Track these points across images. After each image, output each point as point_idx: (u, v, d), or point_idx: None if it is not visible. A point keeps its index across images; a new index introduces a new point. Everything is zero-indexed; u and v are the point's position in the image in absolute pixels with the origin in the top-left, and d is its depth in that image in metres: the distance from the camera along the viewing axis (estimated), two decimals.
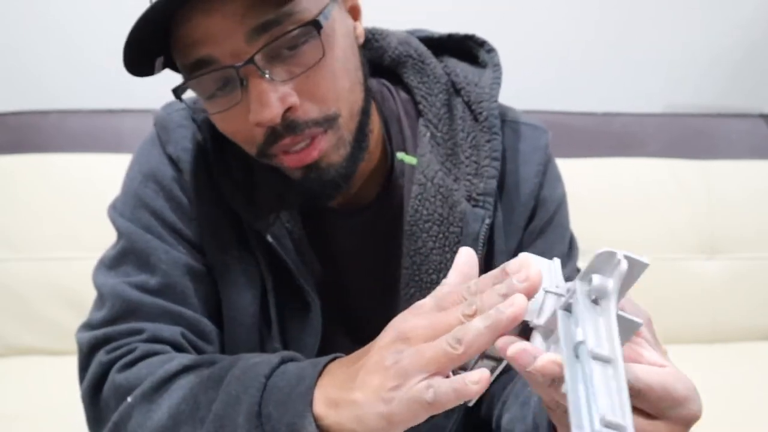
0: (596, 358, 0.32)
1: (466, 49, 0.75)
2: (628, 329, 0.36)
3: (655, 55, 1.62)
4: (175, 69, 0.62)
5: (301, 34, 0.56)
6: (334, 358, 0.52)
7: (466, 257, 0.48)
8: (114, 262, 0.70)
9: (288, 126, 0.58)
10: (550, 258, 0.43)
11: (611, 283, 0.35)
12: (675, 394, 0.42)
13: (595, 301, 0.35)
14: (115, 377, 0.61)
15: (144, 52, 0.58)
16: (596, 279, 0.35)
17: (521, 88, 1.63)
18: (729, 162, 1.51)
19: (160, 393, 0.57)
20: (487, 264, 0.70)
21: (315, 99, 0.58)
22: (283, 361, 0.54)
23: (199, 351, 0.67)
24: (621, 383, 0.32)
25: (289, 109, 0.57)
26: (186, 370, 0.59)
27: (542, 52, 1.59)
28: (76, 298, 1.32)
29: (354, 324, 0.74)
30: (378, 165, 0.71)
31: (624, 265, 0.34)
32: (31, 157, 1.41)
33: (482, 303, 0.42)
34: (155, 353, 0.63)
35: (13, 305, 1.36)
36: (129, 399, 0.59)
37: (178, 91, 0.60)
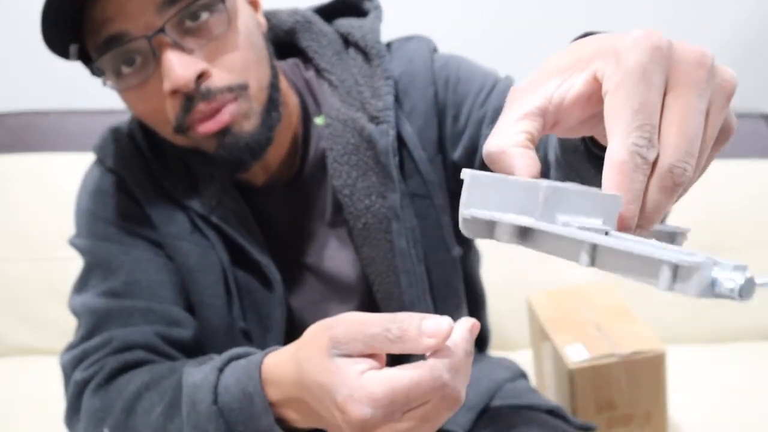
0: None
1: (353, 6, 0.80)
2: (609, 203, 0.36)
3: None
4: (89, 63, 0.66)
5: (208, 5, 0.62)
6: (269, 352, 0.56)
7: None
8: (82, 282, 0.73)
9: (202, 93, 0.63)
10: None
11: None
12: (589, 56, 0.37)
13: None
14: (89, 402, 0.65)
15: (60, 31, 0.63)
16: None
17: None
18: (729, 162, 1.51)
19: (131, 420, 0.62)
20: (407, 167, 0.74)
21: (224, 67, 0.64)
22: (218, 381, 0.56)
23: (173, 343, 0.70)
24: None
25: (201, 77, 0.62)
26: (147, 388, 0.63)
27: (542, 52, 1.59)
28: None
29: (318, 290, 0.77)
30: (296, 136, 0.75)
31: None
32: (31, 157, 1.41)
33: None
34: (125, 365, 0.66)
35: (13, 305, 1.36)
36: (105, 430, 0.63)
37: (93, 70, 0.65)
